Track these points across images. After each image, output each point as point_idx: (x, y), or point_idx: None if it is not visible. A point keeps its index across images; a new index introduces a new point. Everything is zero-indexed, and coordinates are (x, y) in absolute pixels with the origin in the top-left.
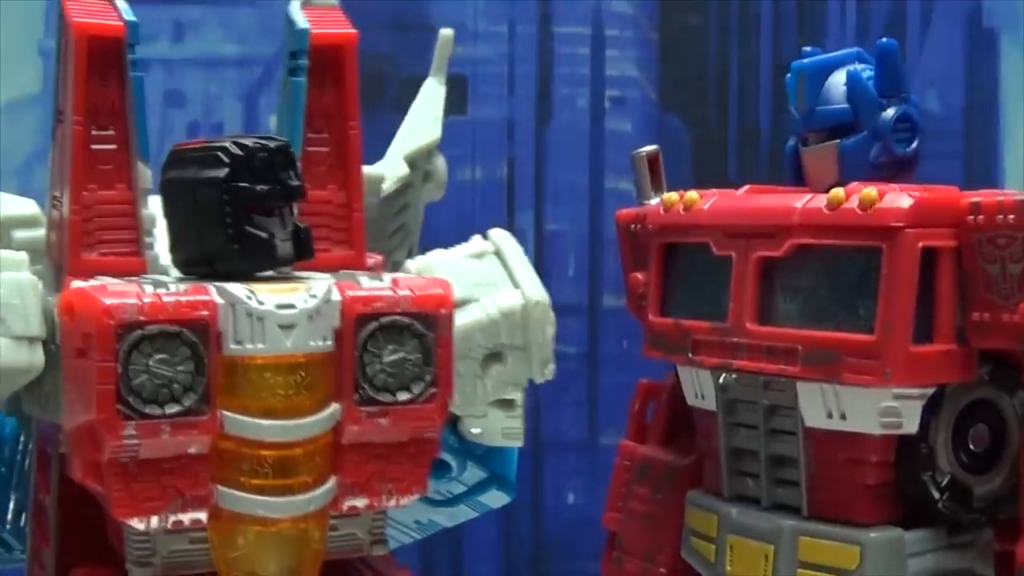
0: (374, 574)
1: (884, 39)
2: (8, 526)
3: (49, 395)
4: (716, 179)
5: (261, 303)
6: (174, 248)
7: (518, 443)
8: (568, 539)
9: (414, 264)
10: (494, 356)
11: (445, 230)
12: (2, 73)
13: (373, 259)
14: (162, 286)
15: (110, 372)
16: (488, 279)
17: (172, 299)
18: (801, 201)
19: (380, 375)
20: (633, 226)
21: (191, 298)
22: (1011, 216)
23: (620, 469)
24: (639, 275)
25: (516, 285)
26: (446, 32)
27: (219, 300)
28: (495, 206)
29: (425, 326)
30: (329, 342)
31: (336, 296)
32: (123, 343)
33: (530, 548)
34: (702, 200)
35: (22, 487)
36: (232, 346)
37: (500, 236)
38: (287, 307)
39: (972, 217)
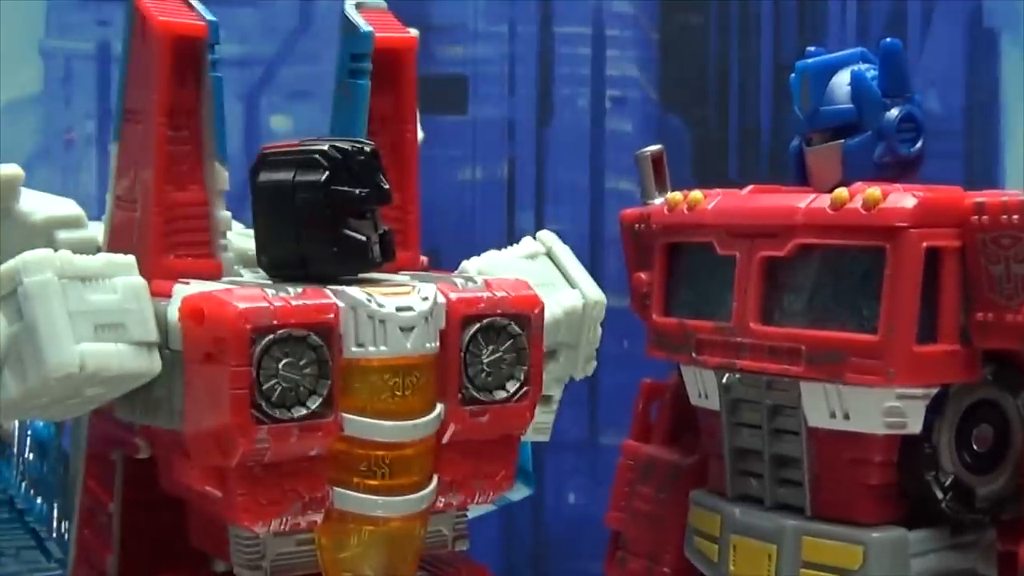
0: (451, 568)
1: (888, 39)
2: (54, 534)
3: (160, 400)
4: (717, 179)
5: (381, 305)
6: (262, 250)
7: (546, 438)
8: (568, 538)
9: (473, 265)
10: (549, 354)
11: (445, 230)
12: (2, 73)
13: (420, 260)
14: (282, 289)
15: (244, 376)
16: (545, 279)
17: (300, 303)
18: (805, 201)
19: (480, 375)
20: (637, 226)
21: (317, 301)
22: (1015, 216)
23: (623, 468)
24: (643, 275)
25: (573, 285)
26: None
27: (340, 303)
28: (495, 206)
29: (520, 326)
30: (436, 343)
31: (442, 298)
32: (256, 347)
33: (530, 547)
34: (706, 200)
35: (62, 494)
36: (353, 349)
37: (549, 237)
38: (406, 309)
39: (976, 217)
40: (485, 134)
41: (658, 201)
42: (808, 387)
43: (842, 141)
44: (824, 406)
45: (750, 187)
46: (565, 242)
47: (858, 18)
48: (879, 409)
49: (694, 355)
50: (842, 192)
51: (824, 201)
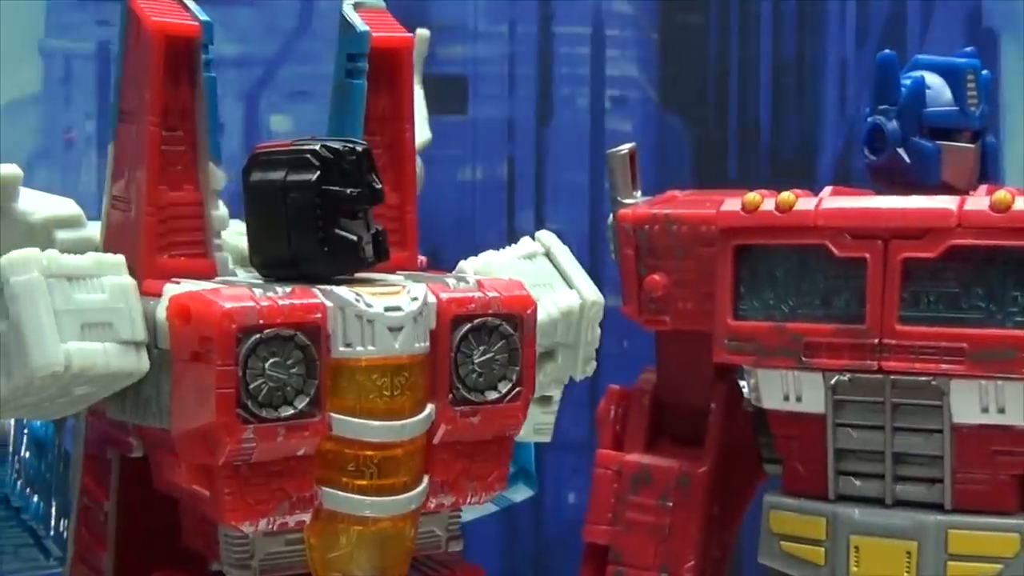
0: (447, 569)
1: (969, 47)
2: (52, 532)
3: (150, 399)
4: (716, 179)
5: (369, 305)
6: (255, 250)
7: (547, 439)
8: (568, 539)
9: (470, 265)
10: (547, 354)
11: (445, 230)
12: (2, 73)
13: (419, 260)
14: (271, 289)
15: (230, 376)
16: (543, 279)
17: (287, 302)
18: (953, 203)
19: (472, 375)
20: (647, 226)
21: (304, 301)
22: None
23: (605, 479)
24: (657, 277)
25: (571, 285)
26: (422, 32)
27: (328, 303)
28: (495, 206)
29: (512, 326)
30: (427, 343)
31: (432, 298)
32: (242, 347)
33: (531, 548)
34: (803, 201)
35: (60, 492)
36: (342, 348)
37: (548, 237)
38: (394, 309)
39: None
40: (485, 134)
41: (630, 201)
42: (960, 384)
43: (979, 141)
44: (976, 402)
45: (829, 188)
46: (565, 242)
47: (858, 18)
48: None
49: (804, 359)
50: (1005, 195)
51: (978, 203)
